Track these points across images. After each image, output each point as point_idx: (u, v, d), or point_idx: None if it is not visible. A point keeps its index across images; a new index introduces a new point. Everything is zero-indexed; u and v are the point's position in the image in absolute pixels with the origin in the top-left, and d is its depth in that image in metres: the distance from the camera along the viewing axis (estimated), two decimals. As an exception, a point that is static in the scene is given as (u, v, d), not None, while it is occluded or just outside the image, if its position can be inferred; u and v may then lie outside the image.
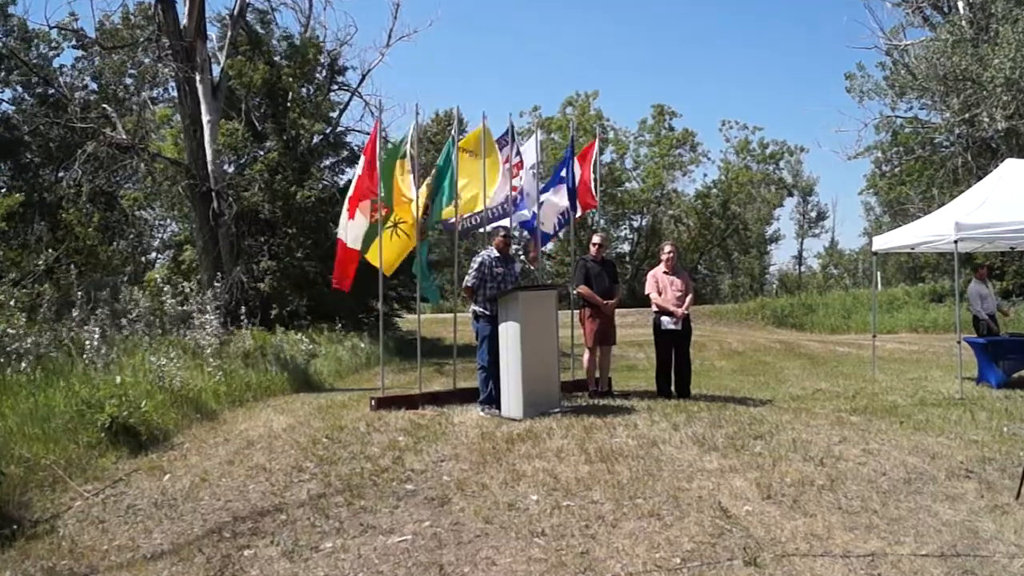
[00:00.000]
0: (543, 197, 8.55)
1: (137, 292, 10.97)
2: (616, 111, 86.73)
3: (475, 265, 7.00)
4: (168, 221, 27.39)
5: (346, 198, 7.60)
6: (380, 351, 8.47)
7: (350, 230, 7.49)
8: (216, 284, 11.85)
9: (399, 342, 18.20)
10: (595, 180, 8.74)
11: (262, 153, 19.47)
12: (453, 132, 8.12)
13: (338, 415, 7.11)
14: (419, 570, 3.50)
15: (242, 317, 11.70)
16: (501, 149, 8.08)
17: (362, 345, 15.33)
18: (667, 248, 8.15)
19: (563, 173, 8.67)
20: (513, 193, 8.18)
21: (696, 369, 9.93)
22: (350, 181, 8.25)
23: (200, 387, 7.99)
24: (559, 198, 8.61)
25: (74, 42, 23.61)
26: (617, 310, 8.07)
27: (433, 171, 7.77)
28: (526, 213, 8.52)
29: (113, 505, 4.52)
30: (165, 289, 10.44)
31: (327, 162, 21.35)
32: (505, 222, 7.90)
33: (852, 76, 26.97)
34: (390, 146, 7.79)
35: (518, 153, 8.31)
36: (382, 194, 7.34)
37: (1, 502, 4.30)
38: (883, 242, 10.21)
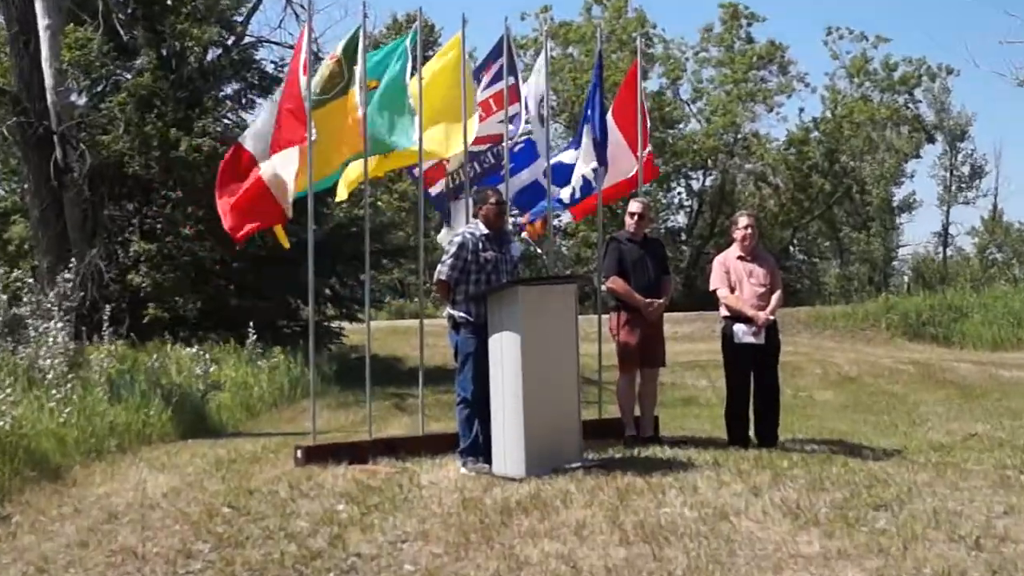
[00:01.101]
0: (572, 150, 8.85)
1: (-59, 287, 10.98)
2: (666, 14, 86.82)
3: (453, 248, 7.05)
4: (-14, 179, 27.31)
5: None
6: (311, 376, 8.50)
7: (276, 165, 7.71)
8: (63, 275, 11.85)
9: (340, 363, 18.27)
10: (642, 122, 8.83)
11: (129, 77, 19.29)
12: (416, 28, 8.26)
13: (247, 473, 7.16)
14: None
15: (103, 325, 11.58)
16: (483, 73, 8.30)
17: (285, 367, 15.22)
18: (743, 221, 8.15)
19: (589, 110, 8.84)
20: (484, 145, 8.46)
21: (788, 403, 9.94)
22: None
23: (39, 431, 7.99)
24: (587, 150, 8.74)
25: None
26: (667, 314, 8.09)
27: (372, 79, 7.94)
28: (525, 175, 8.68)
29: (-95, 609, 4.68)
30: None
31: (228, 89, 21.31)
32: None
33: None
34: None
35: (512, 71, 8.38)
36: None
37: None
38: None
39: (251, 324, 15.23)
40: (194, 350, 13.36)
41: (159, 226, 18.60)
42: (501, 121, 8.50)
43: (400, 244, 26.19)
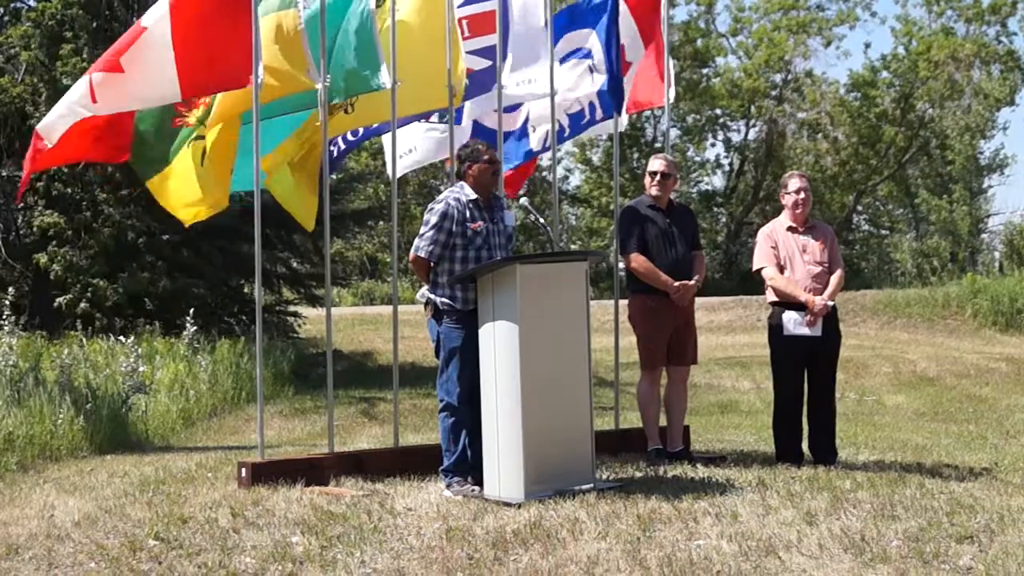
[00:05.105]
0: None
1: None
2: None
3: (433, 219, 6.96)
4: None
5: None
6: (258, 376, 8.32)
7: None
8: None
9: (296, 358, 18.30)
10: (668, 55, 8.82)
11: (32, 3, 19.17)
12: None
13: (179, 497, 7.15)
14: None
15: (2, 312, 11.77)
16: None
17: (228, 365, 15.17)
18: (795, 184, 8.02)
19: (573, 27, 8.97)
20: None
21: (850, 410, 10.12)
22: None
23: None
24: (576, 77, 8.87)
25: None
26: (700, 299, 8.15)
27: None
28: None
29: None
30: None
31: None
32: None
33: None
34: None
35: None
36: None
37: None
38: None
39: (190, 311, 15.18)
40: (118, 343, 13.53)
41: (72, 191, 18.40)
42: (470, 51, 8.42)
43: (370, 205, 25.82)
